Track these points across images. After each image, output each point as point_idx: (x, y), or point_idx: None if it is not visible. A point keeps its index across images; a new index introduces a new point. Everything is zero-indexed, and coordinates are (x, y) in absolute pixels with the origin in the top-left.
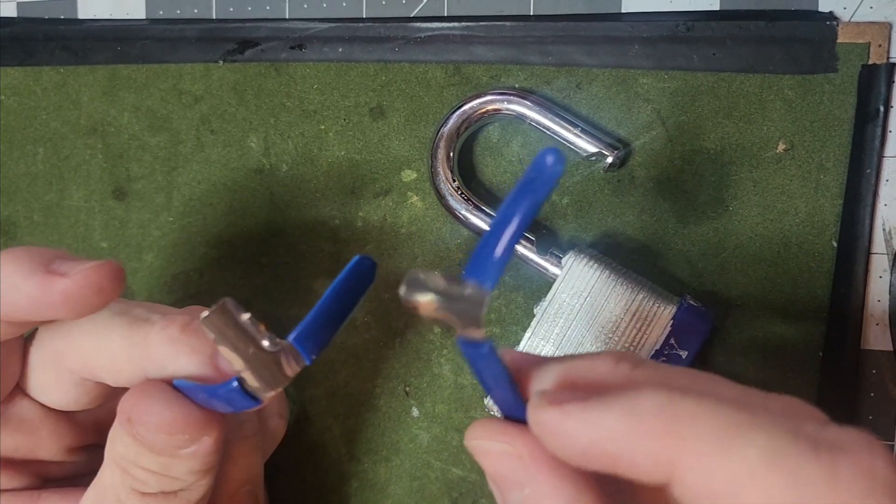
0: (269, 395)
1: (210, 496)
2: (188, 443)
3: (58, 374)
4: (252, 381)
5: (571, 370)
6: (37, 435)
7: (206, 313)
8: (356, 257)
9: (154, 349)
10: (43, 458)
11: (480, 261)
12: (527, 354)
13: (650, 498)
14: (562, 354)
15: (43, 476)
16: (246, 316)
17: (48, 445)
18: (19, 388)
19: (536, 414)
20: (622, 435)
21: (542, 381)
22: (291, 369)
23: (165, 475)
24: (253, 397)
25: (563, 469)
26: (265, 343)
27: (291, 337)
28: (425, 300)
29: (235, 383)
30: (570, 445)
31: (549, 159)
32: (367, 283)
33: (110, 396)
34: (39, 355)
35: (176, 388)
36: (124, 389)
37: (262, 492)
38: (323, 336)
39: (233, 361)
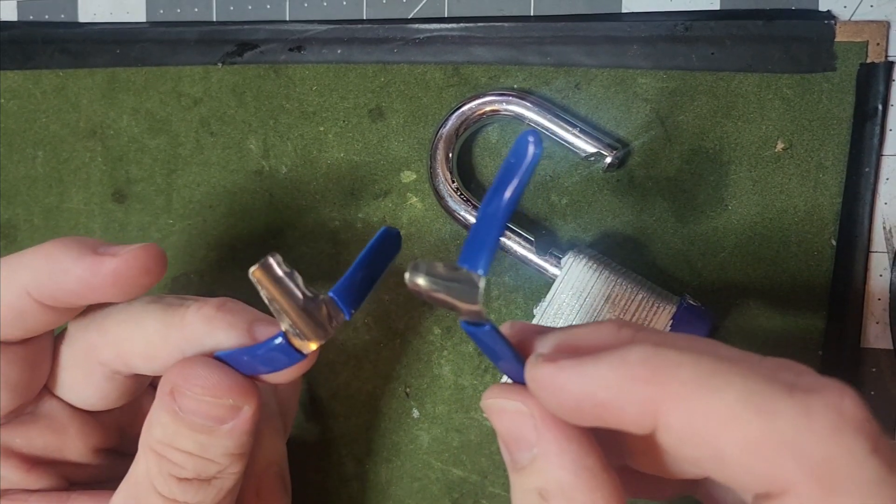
0: (312, 349)
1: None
2: (229, 412)
3: (88, 368)
4: (298, 333)
5: (573, 336)
6: (65, 434)
7: (254, 267)
8: (383, 228)
9: (191, 328)
10: (70, 459)
11: (472, 248)
12: (532, 325)
13: (652, 453)
14: None
15: (69, 478)
16: (288, 269)
17: (75, 445)
18: (47, 388)
19: (532, 370)
20: (611, 384)
21: (542, 346)
22: (333, 323)
23: (202, 457)
24: (298, 351)
25: (570, 430)
26: (309, 295)
27: (331, 291)
28: (426, 284)
29: (280, 339)
30: (563, 398)
31: (529, 141)
32: (393, 252)
33: (137, 394)
34: (70, 351)
35: (217, 358)
36: (150, 397)
37: (287, 473)
38: (357, 295)
39: (281, 313)
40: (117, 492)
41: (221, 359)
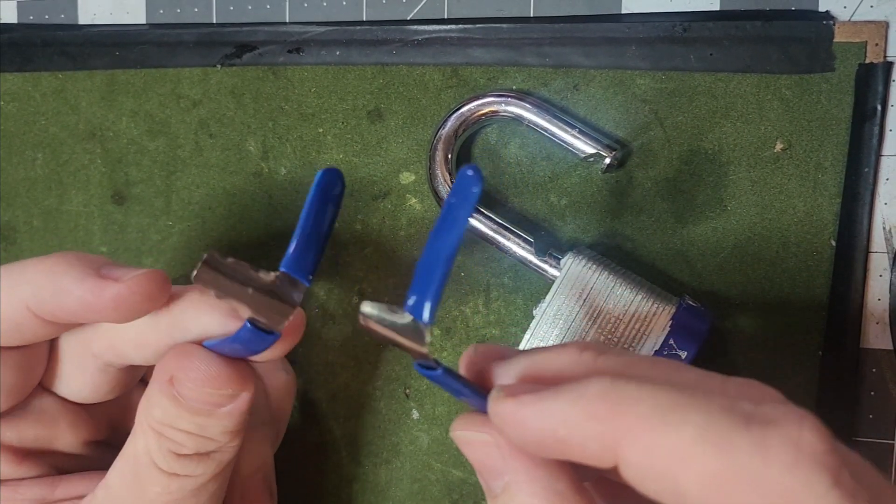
0: (283, 326)
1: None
2: (228, 399)
3: (82, 362)
4: (262, 318)
5: (535, 363)
6: (55, 427)
7: (194, 272)
8: (319, 172)
9: (177, 313)
10: (60, 450)
11: (418, 292)
12: (496, 348)
13: (621, 478)
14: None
15: (59, 468)
16: (231, 261)
17: (66, 438)
18: (40, 384)
19: (494, 406)
20: (570, 420)
21: (505, 377)
22: (295, 294)
23: (201, 435)
24: (270, 332)
25: (537, 456)
26: (260, 279)
27: (282, 266)
28: (376, 326)
29: (248, 324)
30: (526, 434)
31: (469, 176)
32: (338, 193)
33: (130, 387)
34: (64, 346)
35: (206, 348)
36: (140, 390)
37: (273, 479)
38: (311, 256)
39: (238, 308)
40: (113, 468)
41: (211, 348)
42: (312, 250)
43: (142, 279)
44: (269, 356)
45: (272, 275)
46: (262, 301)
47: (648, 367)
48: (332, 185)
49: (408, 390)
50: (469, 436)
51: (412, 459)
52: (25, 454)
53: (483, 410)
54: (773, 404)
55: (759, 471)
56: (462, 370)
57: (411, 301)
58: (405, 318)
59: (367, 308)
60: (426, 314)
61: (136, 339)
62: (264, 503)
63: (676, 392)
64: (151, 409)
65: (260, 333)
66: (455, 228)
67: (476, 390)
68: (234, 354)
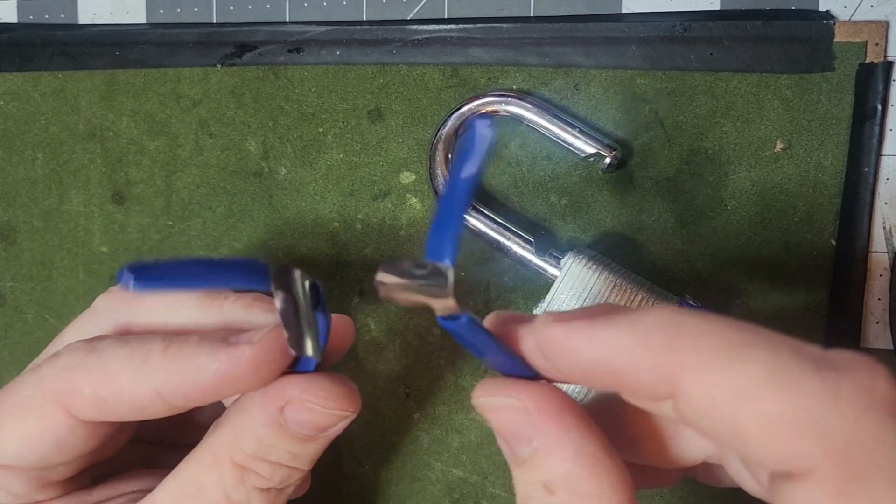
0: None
1: None
2: (338, 420)
3: (46, 418)
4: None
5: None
6: (103, 450)
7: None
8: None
9: (229, 313)
10: (100, 461)
11: (434, 239)
12: (518, 313)
13: (651, 442)
14: None
15: (94, 476)
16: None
17: (106, 452)
18: None
19: (542, 330)
20: (626, 350)
21: (532, 337)
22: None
23: (289, 466)
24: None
25: (569, 419)
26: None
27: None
28: (394, 283)
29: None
30: (574, 362)
31: (479, 125)
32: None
33: (97, 452)
34: (24, 398)
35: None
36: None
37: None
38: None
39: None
40: (164, 486)
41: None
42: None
43: (274, 335)
44: (339, 348)
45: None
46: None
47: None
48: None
49: (408, 390)
50: (494, 401)
51: (412, 459)
52: (71, 479)
53: (508, 372)
54: (841, 350)
55: (828, 416)
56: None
57: (429, 245)
58: (424, 268)
59: (383, 271)
60: (446, 256)
61: (137, 393)
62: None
63: (742, 328)
64: (242, 442)
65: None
66: (468, 174)
67: (500, 346)
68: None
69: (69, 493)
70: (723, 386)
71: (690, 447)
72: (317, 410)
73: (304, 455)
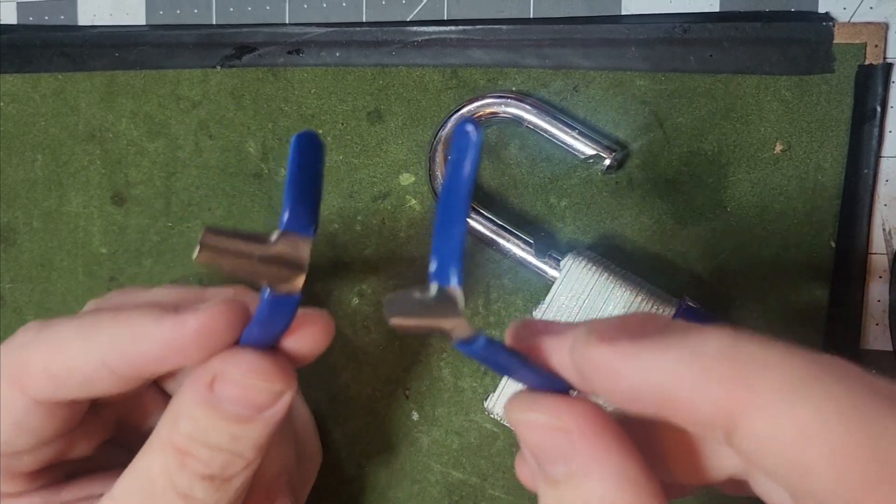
0: (299, 284)
1: (248, 491)
2: (273, 398)
3: (6, 400)
4: (276, 281)
5: (618, 318)
6: (73, 442)
7: (195, 252)
8: (294, 138)
9: (207, 298)
10: (72, 458)
11: (439, 259)
12: (546, 322)
13: (679, 466)
14: None
15: (67, 473)
16: (227, 233)
17: (80, 447)
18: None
19: (585, 351)
20: (683, 378)
21: (562, 351)
22: (302, 250)
23: (231, 451)
24: (289, 294)
25: (610, 441)
26: (263, 242)
27: (281, 226)
28: (405, 318)
29: (268, 290)
30: (621, 386)
31: (467, 130)
32: (319, 152)
33: (59, 433)
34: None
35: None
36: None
37: (296, 484)
38: (309, 211)
39: (251, 276)
40: (120, 481)
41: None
42: (307, 202)
43: (222, 307)
44: (307, 347)
45: (273, 236)
46: (275, 266)
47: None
48: (313, 145)
49: (407, 391)
50: (532, 417)
51: (412, 460)
52: (38, 473)
53: (537, 387)
54: None
55: None
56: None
57: (434, 267)
58: (432, 292)
59: (390, 300)
60: (453, 277)
61: (83, 363)
62: None
63: (811, 360)
64: (178, 423)
65: (282, 298)
66: (462, 183)
67: (525, 363)
68: (265, 341)
69: (37, 490)
70: (792, 422)
71: (721, 465)
72: (246, 385)
73: (245, 439)
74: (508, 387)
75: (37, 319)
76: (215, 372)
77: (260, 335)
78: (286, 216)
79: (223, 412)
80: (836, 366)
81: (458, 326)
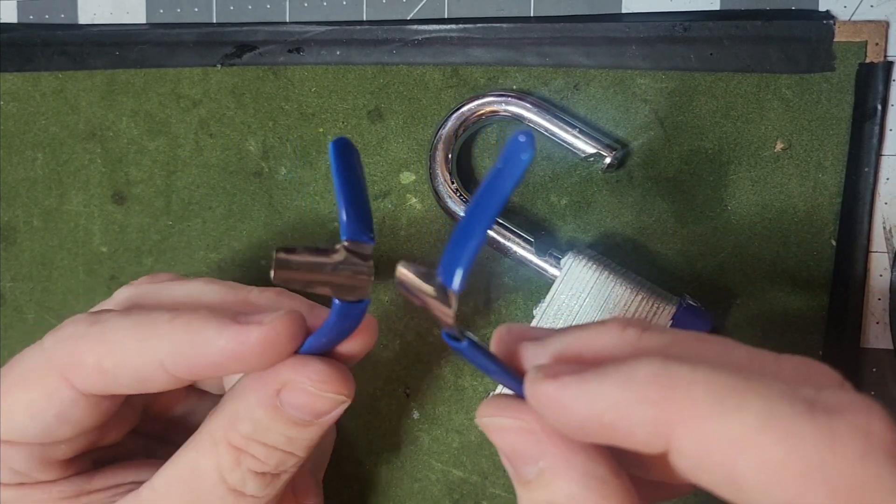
0: (368, 291)
1: None
2: (335, 405)
3: (48, 391)
4: (347, 290)
5: (573, 343)
6: (106, 431)
7: (272, 272)
8: (331, 145)
9: (254, 301)
10: (102, 446)
11: (450, 258)
12: (529, 328)
13: (658, 463)
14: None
15: (96, 461)
16: (297, 251)
17: (111, 436)
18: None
19: (533, 388)
20: (618, 405)
21: (538, 357)
22: (366, 257)
23: (285, 451)
24: (359, 301)
25: (575, 441)
26: (331, 258)
27: (343, 237)
28: (409, 283)
29: (337, 302)
30: (568, 418)
31: (520, 142)
32: (356, 157)
33: (94, 426)
34: (25, 369)
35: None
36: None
37: (321, 478)
38: (363, 214)
39: (324, 289)
40: (162, 473)
41: (305, 351)
42: (361, 208)
43: (285, 320)
44: (358, 349)
45: (338, 247)
46: (344, 276)
47: (696, 344)
48: (349, 151)
49: (408, 390)
50: (499, 422)
51: (412, 459)
52: (71, 461)
53: (513, 390)
54: (835, 390)
55: (827, 461)
56: (492, 350)
57: (441, 267)
58: (436, 282)
59: (402, 268)
60: (456, 282)
61: (141, 362)
62: (314, 495)
63: (733, 375)
64: (238, 424)
65: (351, 306)
66: (498, 196)
67: (506, 369)
68: (326, 347)
69: (69, 477)
70: (718, 437)
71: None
72: (312, 393)
73: (300, 440)
74: None
75: (83, 314)
76: (285, 380)
77: (323, 342)
78: (345, 226)
79: (287, 416)
80: (756, 378)
81: (448, 319)
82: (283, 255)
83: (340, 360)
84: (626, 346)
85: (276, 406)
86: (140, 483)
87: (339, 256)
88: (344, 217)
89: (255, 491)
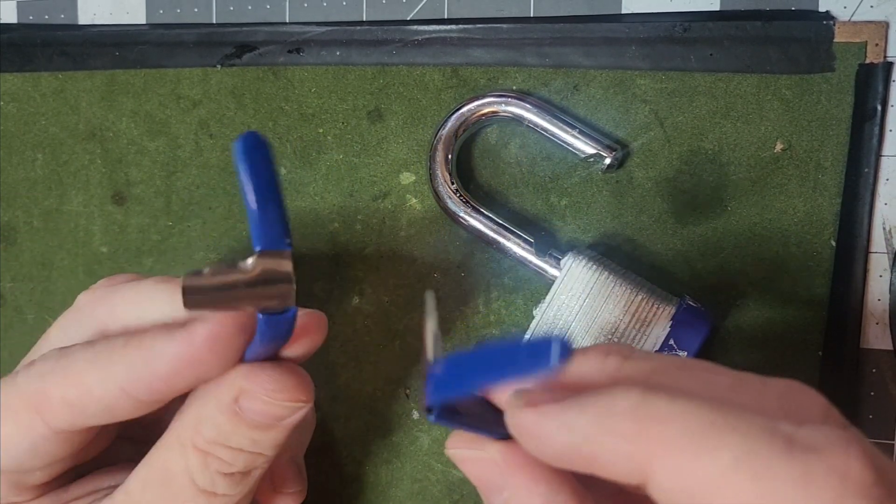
0: (291, 299)
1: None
2: (294, 410)
3: (24, 424)
4: (268, 302)
5: None
6: (86, 448)
7: (182, 300)
8: (238, 141)
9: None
10: (84, 461)
11: (436, 389)
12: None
13: (640, 492)
14: None
15: (76, 471)
16: (207, 271)
17: (94, 450)
18: None
19: (513, 416)
20: (596, 437)
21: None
22: (283, 265)
23: (252, 452)
24: (284, 311)
25: (537, 470)
26: (244, 272)
27: (257, 247)
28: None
29: (260, 315)
30: (546, 447)
31: (555, 350)
32: (267, 152)
33: (72, 458)
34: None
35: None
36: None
37: (301, 459)
38: (276, 222)
39: (244, 305)
40: (135, 475)
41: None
42: (274, 212)
43: (228, 314)
44: (303, 349)
45: (251, 260)
46: (261, 289)
47: (679, 371)
48: (259, 146)
49: (408, 391)
50: (464, 453)
51: (412, 460)
52: (48, 482)
53: (492, 436)
54: (816, 426)
55: (801, 502)
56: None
57: (428, 391)
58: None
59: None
60: (434, 406)
61: (102, 392)
62: (294, 483)
63: (713, 409)
64: (201, 428)
65: (277, 317)
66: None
67: (477, 423)
68: (269, 354)
69: (46, 494)
70: (694, 474)
71: None
72: (269, 401)
73: (266, 441)
74: None
75: (55, 348)
76: (240, 389)
77: (263, 351)
78: (258, 235)
79: (248, 422)
80: (735, 413)
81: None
82: (189, 281)
83: (294, 360)
84: (608, 373)
85: (236, 412)
86: (115, 487)
87: (255, 269)
88: (256, 224)
89: (227, 490)
